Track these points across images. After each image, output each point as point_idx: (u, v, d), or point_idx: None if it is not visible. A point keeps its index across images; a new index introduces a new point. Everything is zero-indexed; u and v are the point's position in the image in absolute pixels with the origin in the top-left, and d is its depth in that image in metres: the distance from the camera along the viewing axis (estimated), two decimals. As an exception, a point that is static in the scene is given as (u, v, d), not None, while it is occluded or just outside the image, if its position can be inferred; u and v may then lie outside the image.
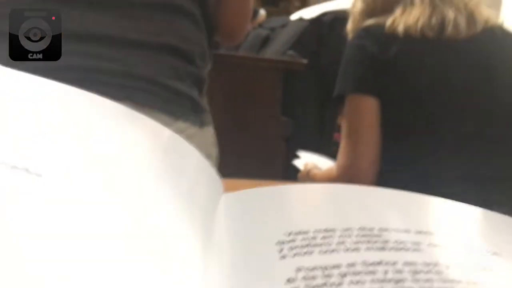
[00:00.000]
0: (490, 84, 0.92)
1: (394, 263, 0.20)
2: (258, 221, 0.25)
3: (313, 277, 0.20)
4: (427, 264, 0.20)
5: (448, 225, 0.24)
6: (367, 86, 0.96)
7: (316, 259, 0.21)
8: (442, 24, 0.92)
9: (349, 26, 1.09)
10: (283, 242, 0.22)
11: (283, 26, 2.53)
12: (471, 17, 0.93)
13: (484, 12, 0.97)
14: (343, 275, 0.20)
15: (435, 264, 0.20)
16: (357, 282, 0.19)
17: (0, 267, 0.14)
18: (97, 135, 0.25)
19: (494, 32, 0.94)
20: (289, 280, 0.20)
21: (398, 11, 0.96)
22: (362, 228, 0.23)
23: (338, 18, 2.25)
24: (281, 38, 2.41)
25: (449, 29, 0.91)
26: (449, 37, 0.91)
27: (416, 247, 0.21)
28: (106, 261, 0.17)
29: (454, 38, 0.91)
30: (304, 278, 0.20)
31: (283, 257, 0.22)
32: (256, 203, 0.26)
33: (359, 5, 1.05)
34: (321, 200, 0.26)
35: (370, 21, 1.00)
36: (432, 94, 0.92)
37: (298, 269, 0.20)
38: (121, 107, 0.28)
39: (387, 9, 0.98)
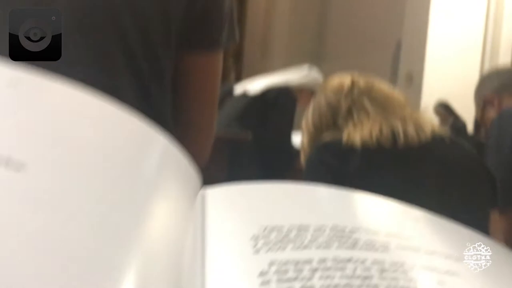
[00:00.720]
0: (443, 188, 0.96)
1: (363, 261, 0.21)
2: (234, 216, 0.25)
3: (285, 271, 0.20)
4: (394, 264, 0.21)
5: (416, 230, 0.25)
6: None
7: (289, 254, 0.22)
8: (393, 135, 0.97)
9: (305, 141, 1.12)
10: (258, 237, 0.23)
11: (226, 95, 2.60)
12: (418, 126, 0.99)
13: (429, 120, 1.05)
14: (314, 270, 0.20)
15: (402, 264, 0.21)
16: (327, 277, 0.20)
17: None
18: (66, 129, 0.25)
19: (443, 139, 1.00)
20: (261, 273, 0.21)
21: (350, 126, 1.00)
22: (334, 227, 0.24)
23: (281, 93, 2.38)
24: (225, 111, 2.48)
25: (401, 138, 0.96)
26: (403, 146, 0.95)
27: (385, 248, 0.22)
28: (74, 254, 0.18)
29: (408, 147, 0.95)
30: (277, 271, 0.21)
31: (257, 251, 0.22)
32: (233, 198, 0.27)
33: (311, 120, 1.09)
34: (298, 198, 0.27)
35: (326, 135, 1.03)
36: None
37: (271, 263, 0.21)
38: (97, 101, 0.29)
39: (336, 124, 1.04)
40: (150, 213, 0.23)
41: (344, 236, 0.23)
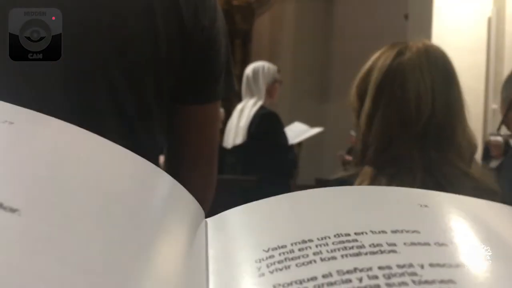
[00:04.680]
0: None
1: (369, 269, 0.20)
2: (238, 242, 0.25)
3: (290, 293, 0.20)
4: (402, 266, 0.20)
5: (424, 219, 0.24)
6: None
7: (293, 273, 0.21)
8: None
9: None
10: (261, 260, 0.22)
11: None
12: None
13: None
14: (319, 287, 0.20)
15: (410, 265, 0.20)
16: (332, 293, 0.19)
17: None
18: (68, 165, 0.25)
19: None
20: (266, 299, 0.20)
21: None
22: (338, 235, 0.23)
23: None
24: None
25: None
26: None
27: (392, 248, 0.21)
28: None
29: None
30: (282, 294, 0.20)
31: (262, 274, 0.22)
32: (235, 224, 0.26)
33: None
34: (296, 211, 0.26)
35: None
36: None
37: (274, 287, 0.20)
38: (91, 135, 0.28)
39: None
40: (155, 252, 0.23)
41: (350, 241, 0.22)
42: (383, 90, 0.85)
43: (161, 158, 0.89)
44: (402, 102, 0.83)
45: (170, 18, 0.70)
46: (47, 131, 0.27)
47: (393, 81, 0.84)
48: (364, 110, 0.87)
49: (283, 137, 2.61)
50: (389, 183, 0.80)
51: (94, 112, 0.67)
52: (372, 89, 0.86)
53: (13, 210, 0.19)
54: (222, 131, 2.75)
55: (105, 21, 0.66)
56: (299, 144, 3.00)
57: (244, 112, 2.62)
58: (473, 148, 0.86)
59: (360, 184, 0.82)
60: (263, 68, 2.67)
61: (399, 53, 0.86)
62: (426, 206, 0.25)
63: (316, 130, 2.96)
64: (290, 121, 3.07)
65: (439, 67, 0.85)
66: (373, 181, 0.82)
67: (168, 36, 0.70)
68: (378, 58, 0.88)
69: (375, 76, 0.86)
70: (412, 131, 0.81)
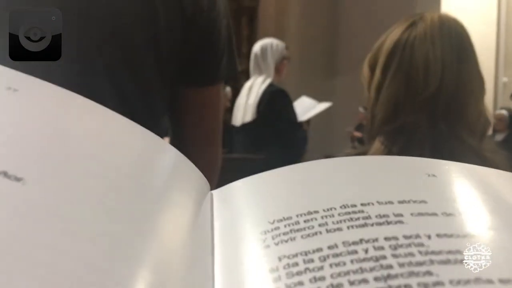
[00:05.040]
0: None
1: (375, 240, 0.20)
2: (243, 213, 0.24)
3: (295, 264, 0.20)
4: (408, 237, 0.20)
5: (431, 188, 0.24)
6: None
7: (299, 244, 0.21)
8: None
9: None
10: (266, 232, 0.22)
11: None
12: None
13: None
14: (324, 259, 0.19)
15: (416, 236, 0.20)
16: (338, 264, 0.19)
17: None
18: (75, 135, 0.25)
19: None
20: (271, 270, 0.20)
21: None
22: (344, 206, 0.23)
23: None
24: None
25: None
26: None
27: (399, 219, 0.21)
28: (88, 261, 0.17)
29: None
30: (287, 265, 0.20)
31: (267, 246, 0.22)
32: (240, 195, 0.26)
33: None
34: (301, 182, 0.26)
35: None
36: None
37: (280, 258, 0.20)
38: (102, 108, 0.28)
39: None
40: (160, 223, 0.23)
41: (356, 212, 0.22)
42: (392, 59, 0.84)
43: (166, 140, 0.90)
44: (410, 70, 0.82)
45: (169, 1, 0.69)
46: (52, 99, 0.27)
47: (403, 50, 0.83)
48: (374, 80, 0.86)
49: (293, 114, 2.60)
50: (398, 154, 0.79)
51: (93, 94, 0.67)
52: (382, 58, 0.86)
53: (17, 179, 0.19)
54: (230, 110, 2.74)
55: (104, 4, 0.66)
56: (307, 120, 2.98)
57: (253, 90, 2.61)
58: (486, 124, 0.85)
59: None
60: (271, 45, 2.65)
61: (412, 24, 0.85)
62: (433, 175, 0.25)
63: (325, 105, 2.93)
64: (298, 97, 3.05)
65: (452, 39, 0.83)
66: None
67: (168, 20, 0.69)
68: (392, 30, 0.88)
69: (386, 46, 0.86)
70: (420, 100, 0.80)
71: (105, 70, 0.67)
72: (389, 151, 0.81)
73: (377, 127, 0.85)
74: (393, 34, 0.86)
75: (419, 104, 0.80)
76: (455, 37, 0.84)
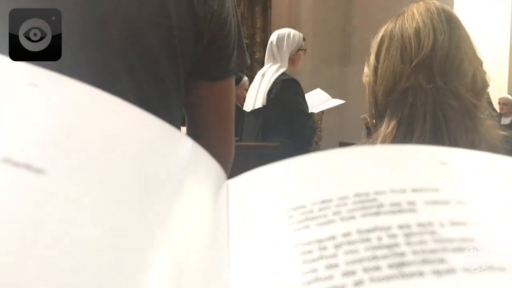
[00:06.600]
0: None
1: (388, 228, 0.20)
2: (259, 203, 0.25)
3: (309, 251, 0.20)
4: (421, 225, 0.20)
5: (443, 178, 0.24)
6: None
7: (313, 232, 0.21)
8: None
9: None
10: (281, 220, 0.23)
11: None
12: None
13: None
14: (338, 247, 0.20)
15: (429, 224, 0.20)
16: (351, 252, 0.19)
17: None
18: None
19: None
20: (287, 257, 0.20)
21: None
22: (357, 195, 0.23)
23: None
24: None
25: None
26: None
27: (412, 207, 0.21)
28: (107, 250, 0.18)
29: None
30: (302, 253, 0.20)
31: (282, 234, 0.22)
32: (255, 185, 0.26)
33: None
34: (315, 171, 0.26)
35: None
36: None
37: (295, 246, 0.21)
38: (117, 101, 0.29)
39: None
40: (177, 213, 0.23)
41: (369, 200, 0.22)
42: (383, 43, 0.89)
43: (183, 130, 0.92)
44: (402, 41, 0.86)
45: (181, 4, 0.73)
46: (71, 93, 0.27)
47: (391, 33, 0.89)
48: (369, 66, 0.92)
49: (302, 103, 2.60)
50: (404, 129, 0.83)
51: (114, 91, 0.69)
52: (373, 49, 0.91)
53: (39, 171, 0.19)
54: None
55: (121, 9, 0.69)
56: (321, 112, 2.98)
57: (266, 77, 2.61)
58: (483, 83, 0.88)
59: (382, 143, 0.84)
60: (289, 35, 2.64)
61: (398, 16, 0.91)
62: (446, 163, 0.25)
63: (337, 101, 2.92)
64: (312, 87, 3.04)
65: (440, 14, 0.87)
66: (391, 133, 0.84)
67: (180, 22, 0.73)
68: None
69: (376, 40, 0.92)
70: (416, 64, 0.84)
71: (126, 71, 0.70)
72: (397, 122, 0.85)
73: (381, 102, 0.88)
74: (381, 29, 0.92)
75: (415, 68, 0.84)
76: (443, 12, 0.88)
